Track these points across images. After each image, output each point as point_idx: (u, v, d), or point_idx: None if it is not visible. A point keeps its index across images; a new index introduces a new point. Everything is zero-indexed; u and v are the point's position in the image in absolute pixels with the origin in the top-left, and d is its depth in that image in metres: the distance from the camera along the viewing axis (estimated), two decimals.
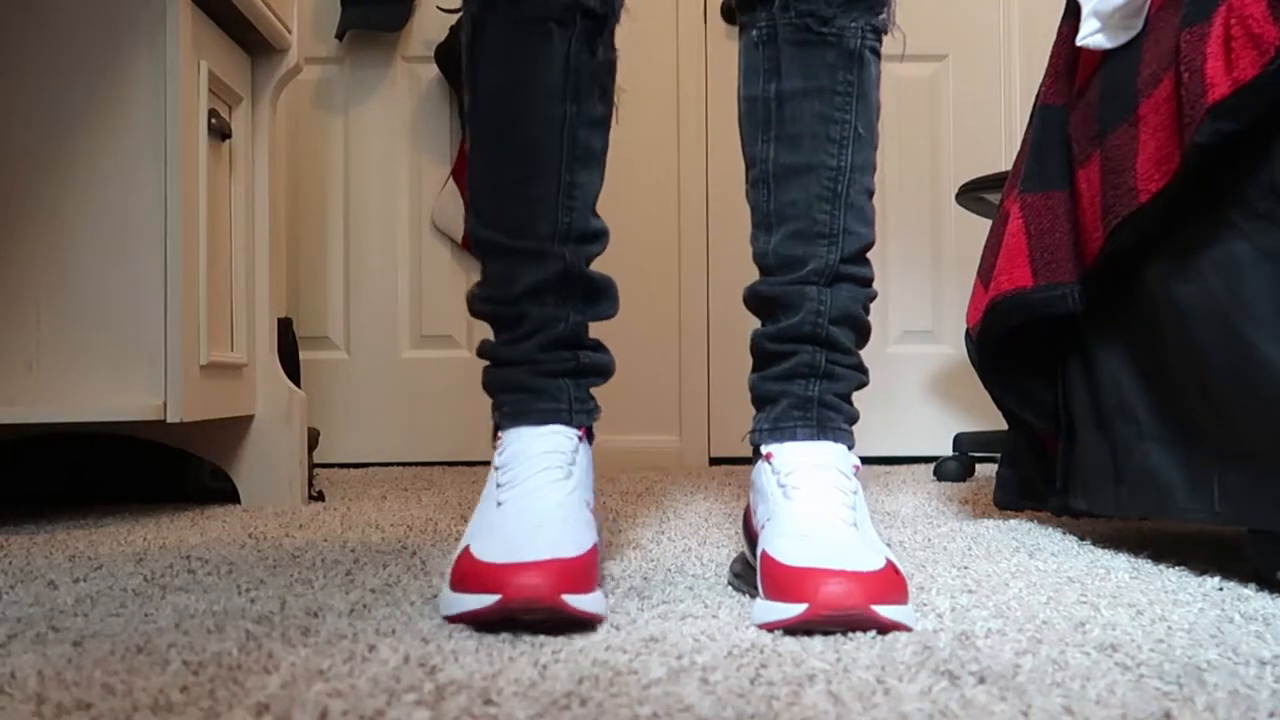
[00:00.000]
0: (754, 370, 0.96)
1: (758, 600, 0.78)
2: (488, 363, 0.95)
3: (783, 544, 0.79)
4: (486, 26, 0.91)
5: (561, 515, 0.81)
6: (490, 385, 0.94)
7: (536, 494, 0.83)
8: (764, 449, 0.91)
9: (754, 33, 0.95)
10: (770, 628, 0.74)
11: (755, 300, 0.96)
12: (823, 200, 0.93)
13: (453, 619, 0.76)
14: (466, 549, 0.78)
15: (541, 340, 0.92)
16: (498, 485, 0.86)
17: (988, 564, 1.03)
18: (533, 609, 0.71)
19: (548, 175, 0.91)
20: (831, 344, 0.93)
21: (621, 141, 2.55)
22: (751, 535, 0.91)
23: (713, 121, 2.54)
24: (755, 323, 0.97)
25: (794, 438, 0.91)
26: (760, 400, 0.95)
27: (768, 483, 0.89)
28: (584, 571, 0.74)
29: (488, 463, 0.92)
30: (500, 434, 0.91)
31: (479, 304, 0.94)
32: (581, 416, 0.91)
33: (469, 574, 0.75)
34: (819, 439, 0.91)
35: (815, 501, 0.85)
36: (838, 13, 0.94)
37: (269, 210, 1.68)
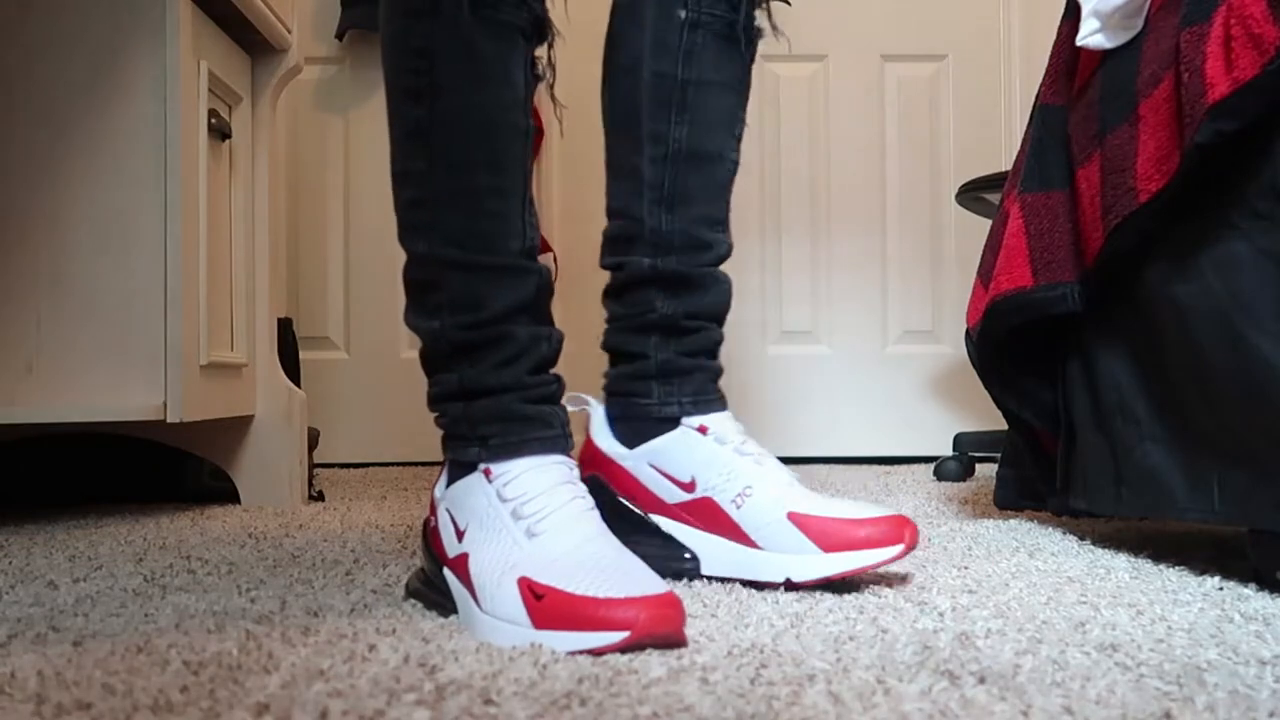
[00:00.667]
0: (660, 341, 0.99)
1: (825, 555, 0.87)
2: (457, 396, 0.86)
3: (823, 503, 0.91)
4: (458, 23, 0.83)
5: (618, 545, 0.79)
6: (469, 418, 0.85)
7: (579, 524, 0.79)
8: (696, 421, 0.97)
9: (681, 13, 0.98)
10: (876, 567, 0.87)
11: (661, 276, 0.99)
12: (724, 190, 1.01)
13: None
14: (549, 586, 0.72)
15: (528, 363, 0.86)
16: (518, 517, 0.79)
17: (988, 564, 1.03)
18: (663, 642, 0.70)
19: (514, 187, 0.86)
20: (722, 326, 1.03)
21: None
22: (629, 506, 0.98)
23: None
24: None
25: (719, 409, 0.99)
26: (668, 372, 0.99)
27: (716, 452, 0.95)
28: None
29: None
30: (487, 467, 0.83)
31: (452, 331, 0.85)
32: (570, 442, 0.87)
33: (580, 612, 0.70)
34: (727, 411, 1.00)
35: (780, 468, 0.96)
36: (745, 11, 1.00)
37: (269, 210, 1.68)
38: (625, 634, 0.68)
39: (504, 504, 0.81)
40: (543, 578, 0.73)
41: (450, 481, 0.86)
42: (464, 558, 0.80)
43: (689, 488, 0.95)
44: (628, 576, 0.73)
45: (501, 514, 0.80)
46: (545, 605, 0.71)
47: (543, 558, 0.76)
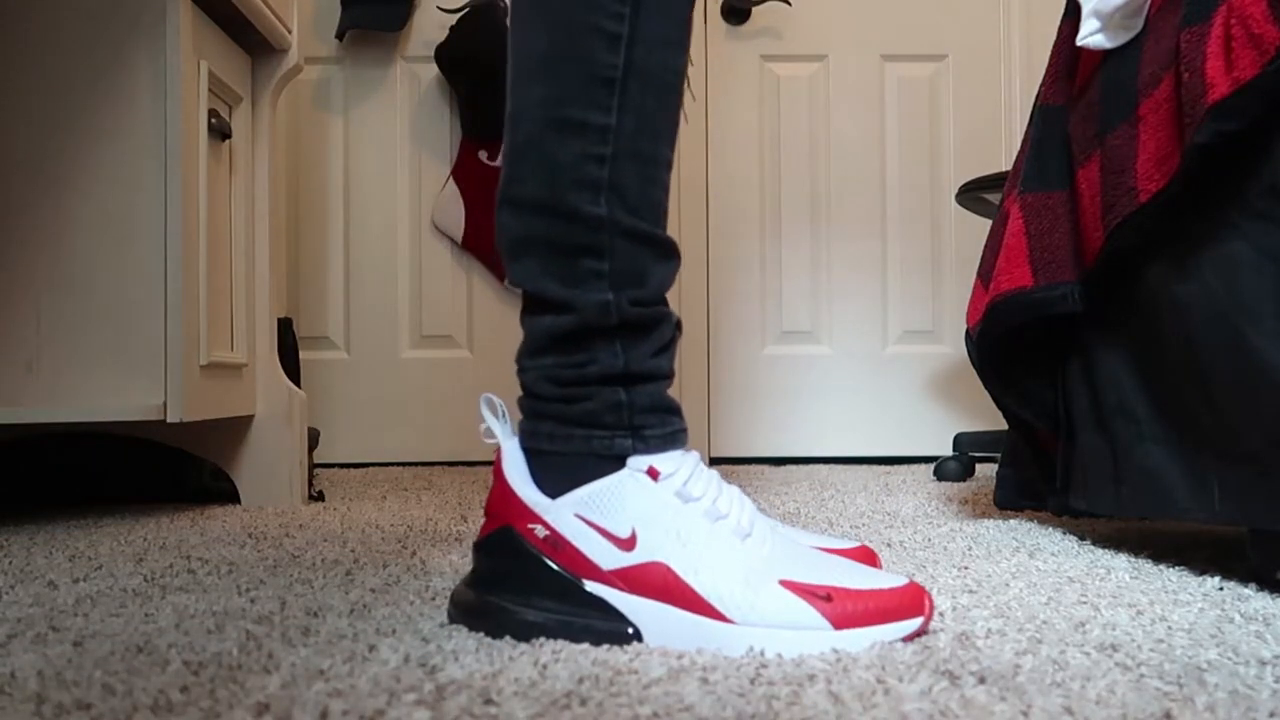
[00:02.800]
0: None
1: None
2: (618, 380, 0.76)
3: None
4: None
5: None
6: (631, 405, 0.75)
7: (764, 520, 0.76)
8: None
9: None
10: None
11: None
12: None
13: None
14: (830, 586, 0.71)
15: (672, 350, 0.79)
16: (715, 517, 0.73)
17: (988, 564, 1.03)
18: (929, 623, 0.74)
19: (672, 165, 0.79)
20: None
21: None
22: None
23: (713, 122, 2.54)
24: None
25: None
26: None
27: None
28: None
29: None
30: (653, 466, 0.74)
31: (625, 306, 0.75)
32: None
33: (876, 607, 0.70)
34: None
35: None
36: None
37: (269, 210, 1.68)
38: (920, 619, 0.72)
39: (691, 504, 0.74)
40: (809, 578, 0.71)
41: (568, 482, 0.74)
42: (651, 568, 0.72)
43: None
44: (861, 569, 0.74)
45: (692, 516, 0.73)
46: (837, 606, 0.70)
47: (782, 558, 0.73)
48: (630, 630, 0.71)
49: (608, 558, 0.73)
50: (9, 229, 1.39)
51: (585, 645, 0.69)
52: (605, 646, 0.69)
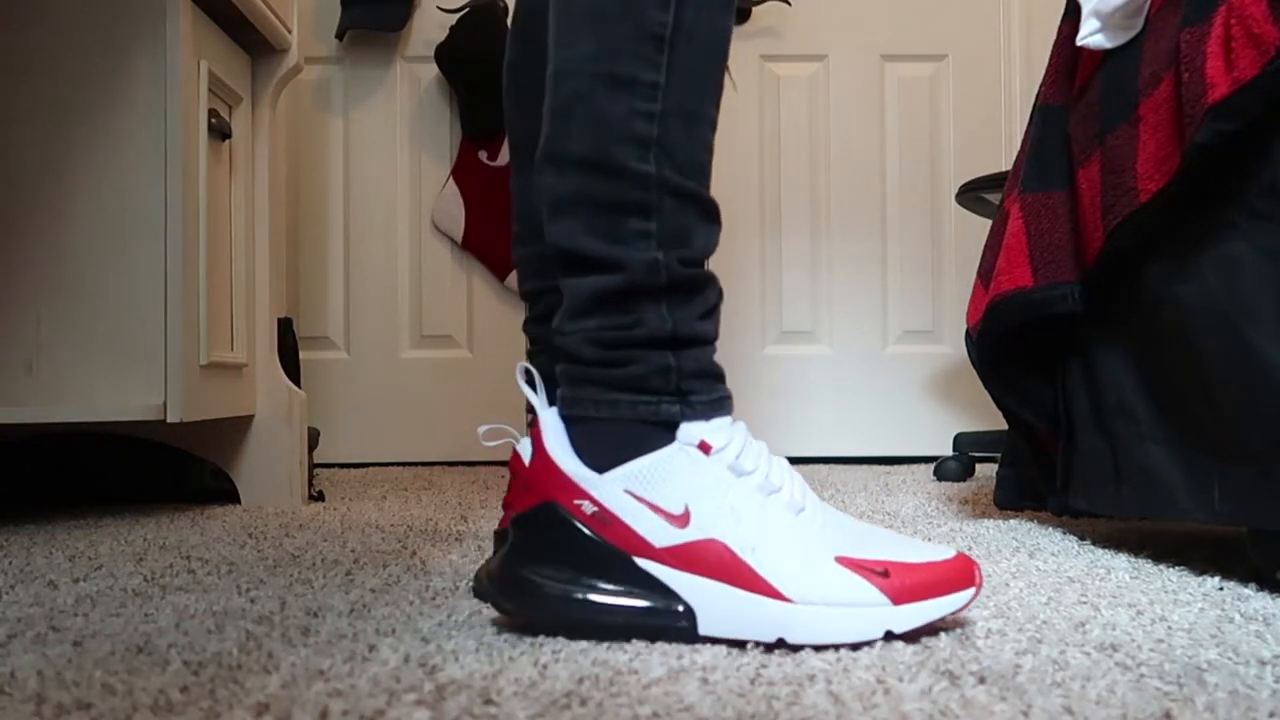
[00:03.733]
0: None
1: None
2: (666, 344, 0.74)
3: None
4: None
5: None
6: (679, 369, 0.74)
7: (812, 493, 0.76)
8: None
9: None
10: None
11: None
12: None
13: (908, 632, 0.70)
14: (886, 561, 0.71)
15: (717, 314, 0.77)
16: (769, 491, 0.73)
17: (988, 564, 1.03)
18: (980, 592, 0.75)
19: (716, 123, 0.79)
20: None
21: None
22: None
23: None
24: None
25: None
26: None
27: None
28: None
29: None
30: (704, 440, 0.73)
31: (675, 265, 0.74)
32: None
33: (932, 580, 0.71)
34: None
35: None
36: None
37: (269, 210, 1.68)
38: (972, 590, 0.72)
39: (744, 478, 0.72)
40: (865, 554, 0.71)
41: (615, 456, 0.72)
42: (707, 545, 0.70)
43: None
44: (909, 541, 0.75)
45: (746, 491, 0.72)
46: (895, 581, 0.70)
47: (836, 533, 0.72)
48: (681, 609, 0.70)
49: (661, 535, 0.71)
50: (9, 229, 1.39)
51: (585, 645, 0.69)
52: (606, 646, 0.69)
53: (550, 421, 0.75)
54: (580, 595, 0.71)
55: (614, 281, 0.73)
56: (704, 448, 0.73)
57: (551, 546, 0.72)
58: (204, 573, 1.00)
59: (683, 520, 0.71)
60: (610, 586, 0.71)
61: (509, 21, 0.80)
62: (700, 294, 0.76)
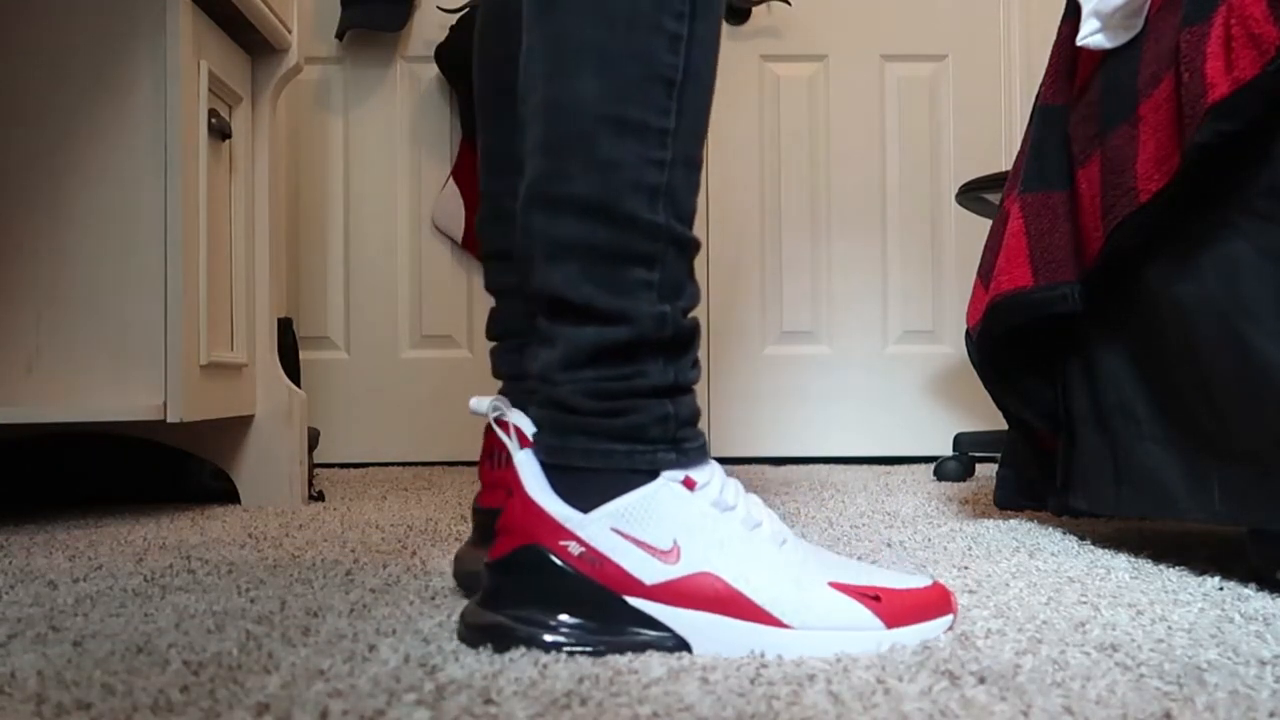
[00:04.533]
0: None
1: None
2: (666, 393, 0.73)
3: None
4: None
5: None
6: (677, 418, 0.73)
7: (787, 529, 0.77)
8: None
9: None
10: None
11: None
12: None
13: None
14: (876, 587, 0.72)
15: (697, 356, 0.77)
16: (751, 524, 0.73)
17: (988, 564, 1.03)
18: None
19: None
20: None
21: None
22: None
23: (713, 122, 2.54)
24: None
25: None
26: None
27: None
28: None
29: None
30: (689, 476, 0.72)
31: (680, 317, 0.74)
32: None
33: (911, 607, 0.72)
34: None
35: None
36: None
37: (269, 210, 1.68)
38: (952, 616, 0.75)
39: (728, 513, 0.72)
40: (852, 580, 0.72)
41: (598, 496, 0.71)
42: (700, 579, 0.70)
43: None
44: (883, 570, 0.76)
45: (732, 524, 0.72)
46: (886, 605, 0.71)
47: (819, 562, 0.73)
48: (674, 641, 0.69)
49: (651, 572, 0.70)
50: (9, 229, 1.39)
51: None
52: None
53: (527, 463, 0.72)
54: (570, 638, 0.69)
55: (619, 334, 0.71)
56: (689, 484, 0.72)
57: (537, 589, 0.71)
58: (204, 573, 1.00)
59: (672, 555, 0.70)
60: (601, 626, 0.70)
61: (534, 6, 0.78)
62: (694, 342, 0.75)
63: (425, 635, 0.73)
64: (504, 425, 0.75)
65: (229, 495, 1.64)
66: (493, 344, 0.96)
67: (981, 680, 0.61)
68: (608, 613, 0.70)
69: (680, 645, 0.69)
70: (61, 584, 0.95)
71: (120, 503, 1.65)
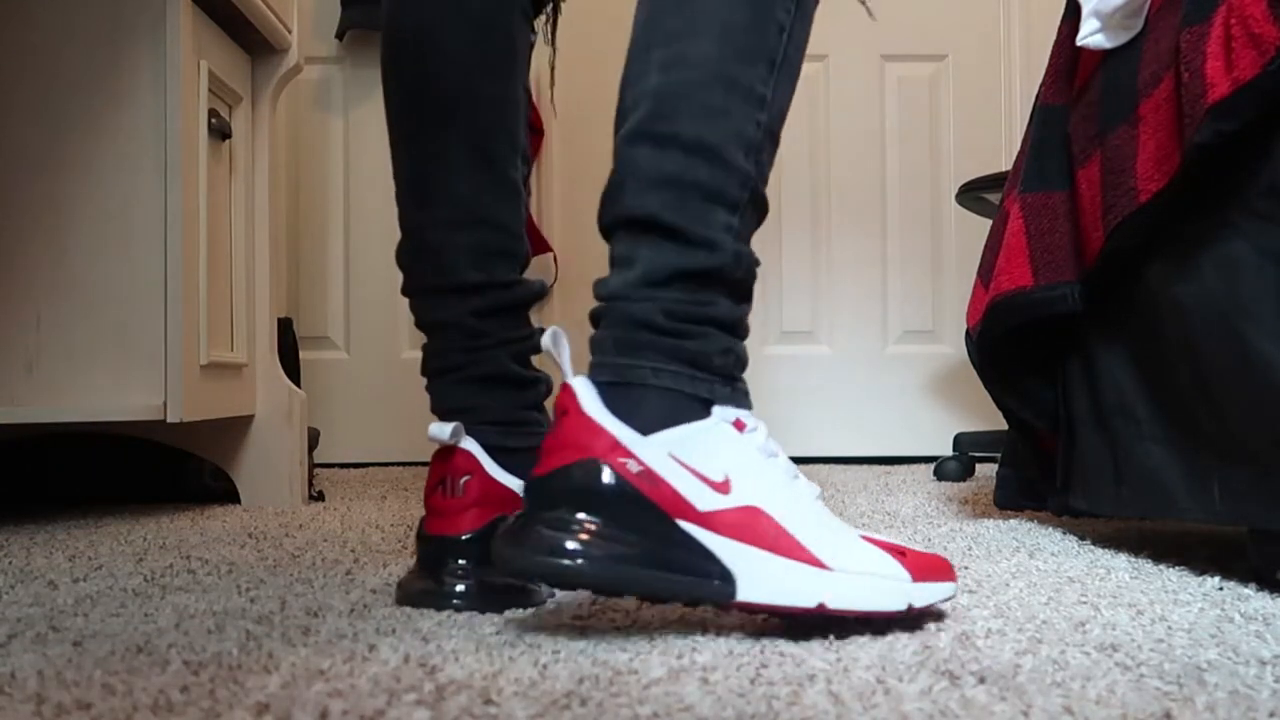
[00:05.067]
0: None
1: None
2: (738, 331, 0.79)
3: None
4: None
5: None
6: (738, 356, 0.78)
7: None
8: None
9: None
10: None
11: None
12: None
13: (921, 610, 0.75)
14: (894, 545, 0.76)
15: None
16: (792, 475, 0.76)
17: (988, 564, 1.03)
18: None
19: None
20: None
21: None
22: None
23: None
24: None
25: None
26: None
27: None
28: None
29: None
30: (739, 418, 0.75)
31: (752, 265, 0.81)
32: None
33: (928, 567, 0.76)
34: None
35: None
36: None
37: (269, 210, 1.68)
38: (955, 583, 0.78)
39: (771, 459, 0.75)
40: (878, 536, 0.76)
41: (658, 422, 0.72)
42: (749, 512, 0.72)
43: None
44: (883, 540, 0.79)
45: (776, 470, 0.75)
46: (910, 561, 0.75)
47: (844, 519, 0.78)
48: (719, 570, 0.70)
49: (703, 499, 0.71)
50: (9, 229, 1.39)
51: (585, 645, 0.69)
52: (606, 646, 0.69)
53: (584, 386, 0.73)
54: (622, 551, 0.70)
55: (702, 259, 0.75)
56: (738, 425, 0.74)
57: (584, 496, 0.70)
58: (204, 573, 1.00)
59: (724, 488, 0.72)
60: (652, 544, 0.70)
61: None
62: (751, 296, 0.81)
63: (425, 635, 0.73)
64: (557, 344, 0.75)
65: (229, 495, 1.64)
66: (434, 379, 0.93)
67: (981, 680, 0.61)
68: (657, 532, 0.70)
69: (725, 577, 0.70)
70: (61, 584, 0.95)
71: (120, 503, 1.65)
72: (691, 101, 0.76)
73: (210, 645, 0.70)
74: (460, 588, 0.82)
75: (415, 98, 0.93)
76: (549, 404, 0.84)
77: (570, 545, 0.69)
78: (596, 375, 0.74)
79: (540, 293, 0.94)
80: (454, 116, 0.91)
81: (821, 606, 0.70)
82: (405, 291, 0.94)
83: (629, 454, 0.71)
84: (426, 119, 0.92)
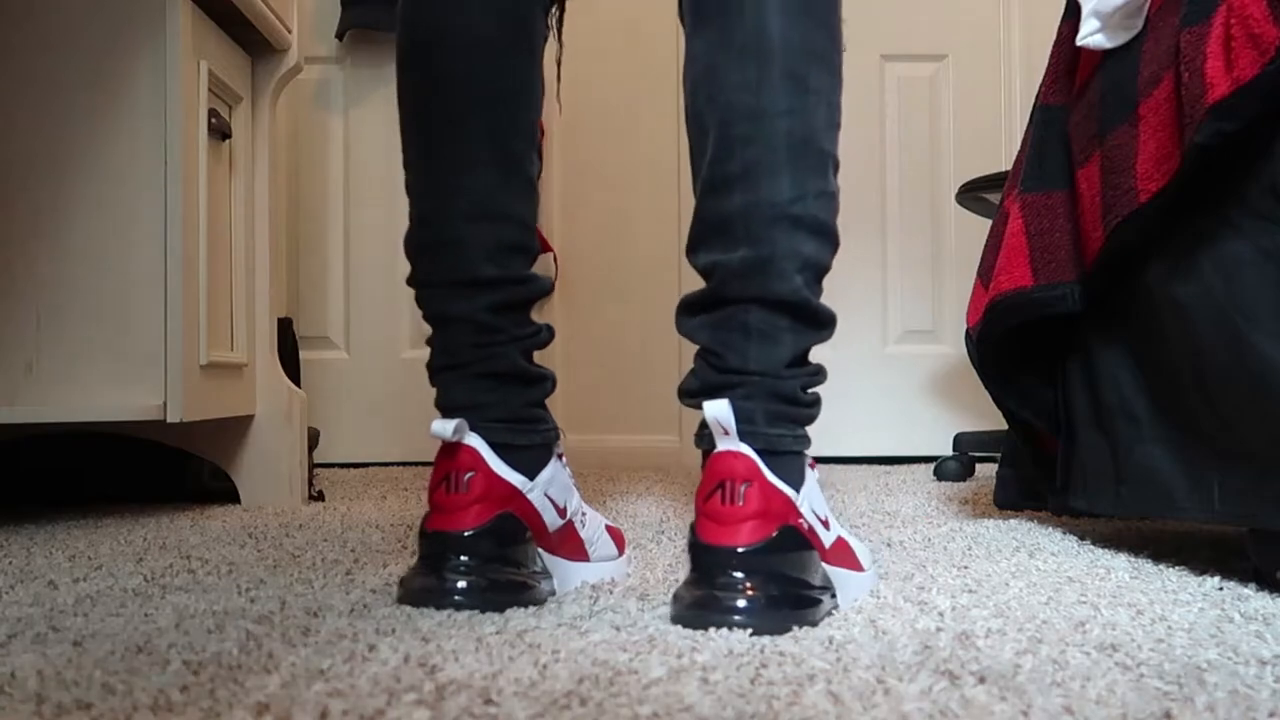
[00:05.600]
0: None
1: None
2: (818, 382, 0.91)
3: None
4: None
5: None
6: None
7: None
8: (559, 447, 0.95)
9: None
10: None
11: None
12: None
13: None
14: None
15: None
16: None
17: (988, 564, 1.03)
18: None
19: None
20: None
21: (622, 143, 2.58)
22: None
23: None
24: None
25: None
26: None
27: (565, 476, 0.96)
28: None
29: None
30: (813, 459, 0.88)
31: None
32: None
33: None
34: None
35: None
36: None
37: (269, 210, 1.68)
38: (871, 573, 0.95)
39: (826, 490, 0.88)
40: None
41: (797, 481, 0.82)
42: (840, 543, 0.87)
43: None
44: None
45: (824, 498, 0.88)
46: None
47: (844, 519, 0.88)
48: (833, 594, 0.82)
49: (826, 539, 0.84)
50: (9, 229, 1.39)
51: (585, 645, 0.69)
52: (606, 646, 0.69)
53: (756, 456, 0.78)
54: (818, 598, 0.79)
55: (825, 336, 0.86)
56: (812, 465, 0.86)
57: (793, 562, 0.78)
58: (204, 573, 1.00)
59: (828, 524, 0.85)
60: (820, 585, 0.81)
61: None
62: None
63: (425, 635, 0.73)
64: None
65: (229, 495, 1.64)
66: (442, 374, 0.91)
67: (981, 680, 0.61)
68: (820, 574, 0.81)
69: (833, 594, 0.82)
70: (61, 584, 0.95)
71: (120, 503, 1.65)
72: (814, 182, 0.81)
73: (210, 645, 0.70)
74: (462, 584, 0.82)
75: (435, 88, 0.92)
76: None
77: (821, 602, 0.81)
78: (752, 444, 0.79)
79: (548, 289, 0.93)
80: (474, 109, 0.89)
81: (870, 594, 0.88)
82: (414, 282, 0.92)
83: (799, 514, 0.80)
84: (447, 111, 0.91)
